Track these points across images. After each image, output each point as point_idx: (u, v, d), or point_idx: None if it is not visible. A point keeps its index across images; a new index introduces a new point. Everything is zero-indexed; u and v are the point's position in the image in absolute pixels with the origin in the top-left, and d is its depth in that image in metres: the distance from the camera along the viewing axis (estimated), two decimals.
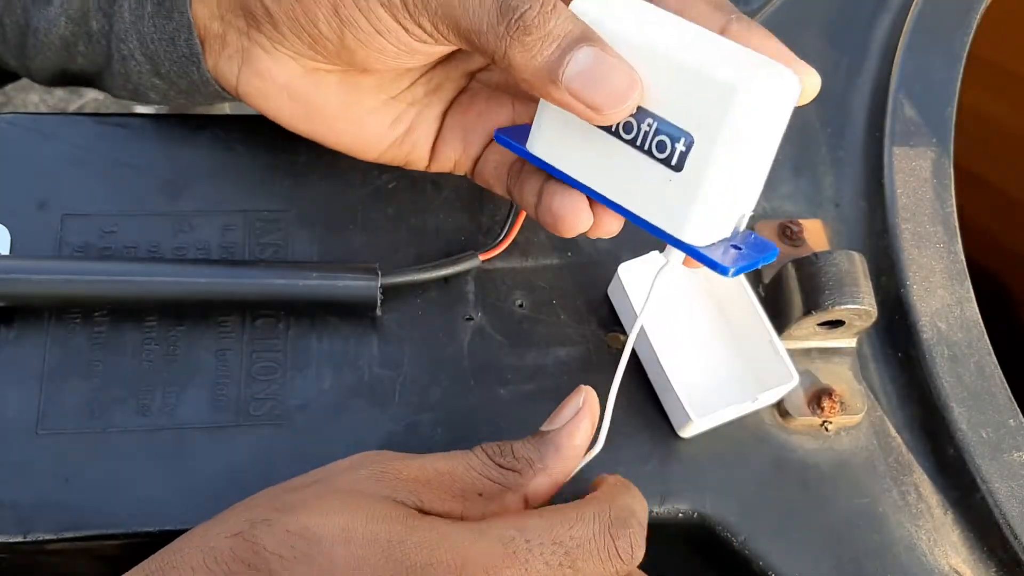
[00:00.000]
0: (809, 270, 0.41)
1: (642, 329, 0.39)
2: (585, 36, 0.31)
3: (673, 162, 0.30)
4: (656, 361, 0.40)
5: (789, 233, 0.45)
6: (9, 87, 1.28)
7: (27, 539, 0.37)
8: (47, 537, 0.37)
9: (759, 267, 0.33)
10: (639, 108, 0.31)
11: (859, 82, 0.50)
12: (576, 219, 0.35)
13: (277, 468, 0.38)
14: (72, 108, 1.28)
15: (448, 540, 0.29)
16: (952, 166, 0.46)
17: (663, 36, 0.31)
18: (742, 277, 0.41)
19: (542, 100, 0.34)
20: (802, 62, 0.32)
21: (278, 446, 0.39)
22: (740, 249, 0.32)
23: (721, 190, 0.31)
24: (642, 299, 0.34)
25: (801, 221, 0.45)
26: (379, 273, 0.40)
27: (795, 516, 0.41)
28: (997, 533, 0.40)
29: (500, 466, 0.33)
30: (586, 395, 0.34)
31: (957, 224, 0.45)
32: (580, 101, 0.31)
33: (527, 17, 0.30)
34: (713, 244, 0.32)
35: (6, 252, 0.41)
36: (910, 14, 0.50)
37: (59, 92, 1.28)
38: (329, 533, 0.29)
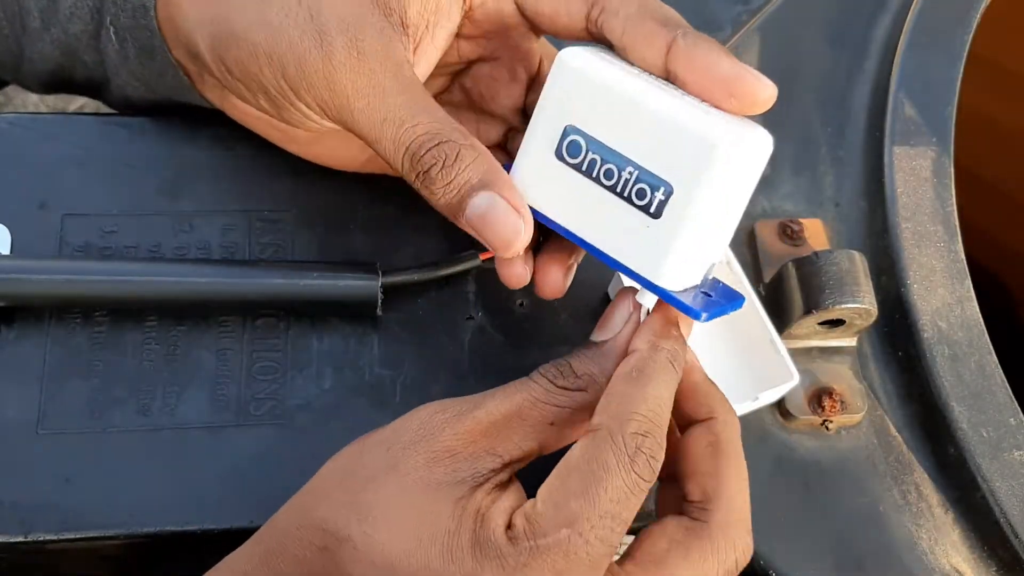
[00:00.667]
0: (809, 269, 0.41)
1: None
2: (483, 183, 0.34)
3: (652, 209, 0.32)
4: None
5: (789, 232, 0.45)
6: (8, 87, 1.28)
7: (28, 539, 0.37)
8: (48, 537, 0.37)
9: (727, 314, 0.34)
10: (620, 155, 0.32)
11: (859, 81, 0.50)
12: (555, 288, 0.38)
13: (278, 468, 0.39)
14: (72, 108, 1.28)
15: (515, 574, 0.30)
16: (952, 165, 0.46)
17: (646, 88, 0.32)
18: (743, 276, 0.41)
19: (523, 142, 0.35)
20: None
21: (279, 446, 0.39)
22: (710, 296, 0.34)
23: (696, 239, 0.32)
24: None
25: (801, 220, 0.45)
26: (380, 273, 0.40)
27: (795, 515, 0.41)
28: (997, 532, 0.40)
29: (564, 389, 0.33)
30: (633, 300, 0.34)
31: (957, 223, 0.45)
32: (479, 238, 0.34)
33: (432, 172, 0.34)
34: (685, 290, 0.33)
35: (7, 252, 0.41)
36: (910, 13, 0.50)
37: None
38: (404, 563, 0.30)
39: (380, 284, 0.40)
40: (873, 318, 0.41)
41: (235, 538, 0.37)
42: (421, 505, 0.31)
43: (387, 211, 0.44)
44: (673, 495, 0.34)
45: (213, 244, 0.43)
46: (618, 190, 0.32)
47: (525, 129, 0.35)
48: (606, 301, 0.43)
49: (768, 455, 0.41)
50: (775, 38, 0.50)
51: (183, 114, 0.44)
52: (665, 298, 0.33)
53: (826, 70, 0.50)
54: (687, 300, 0.32)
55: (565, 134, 0.33)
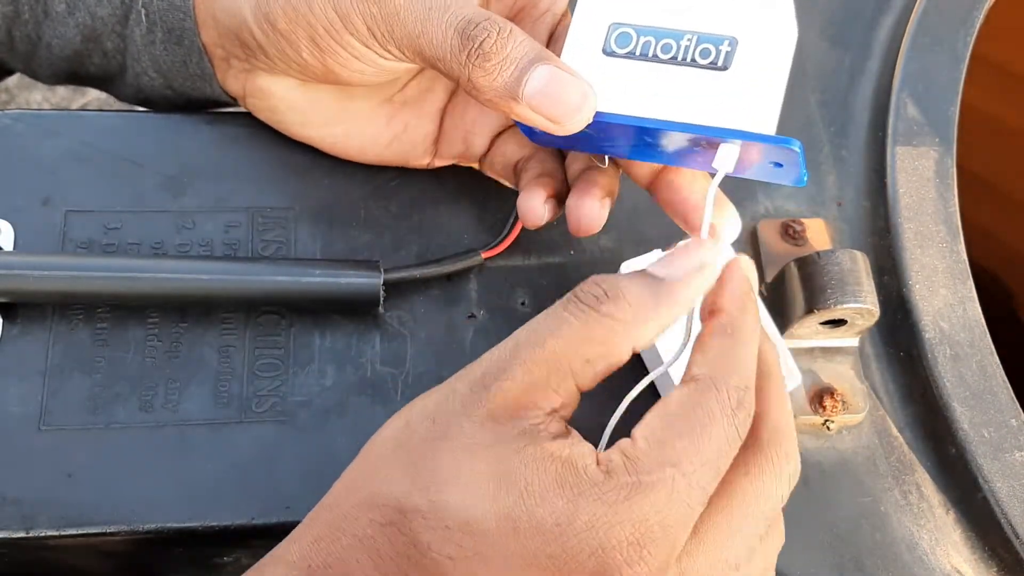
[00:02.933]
0: (811, 269, 0.41)
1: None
2: (540, 56, 0.33)
3: (720, 63, 0.33)
4: (657, 358, 0.40)
5: (792, 232, 0.45)
6: (12, 85, 1.28)
7: (29, 535, 0.37)
8: (49, 533, 0.37)
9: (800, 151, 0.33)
10: (674, 31, 0.33)
11: (862, 81, 0.50)
12: (591, 220, 0.38)
13: (279, 465, 0.39)
14: (76, 105, 1.28)
15: (617, 511, 0.28)
16: (955, 166, 0.46)
17: None
18: (770, 320, 0.40)
19: (565, 49, 0.35)
20: None
21: (280, 443, 0.39)
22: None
23: (767, 77, 0.33)
24: None
25: (804, 220, 0.45)
26: (382, 270, 0.40)
27: (796, 514, 0.41)
28: (999, 533, 0.40)
29: (609, 316, 0.30)
30: (709, 250, 0.32)
31: (959, 223, 0.45)
32: (541, 115, 0.33)
33: (486, 45, 0.33)
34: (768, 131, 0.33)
35: (10, 248, 0.41)
36: (913, 14, 0.50)
37: (62, 90, 1.28)
38: (495, 527, 0.28)
39: (382, 281, 0.40)
40: (875, 318, 0.41)
41: (237, 535, 0.37)
42: (484, 464, 0.29)
43: (389, 208, 0.44)
44: None
45: (216, 241, 0.43)
46: (679, 59, 0.33)
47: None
48: None
49: None
50: None
51: (187, 111, 0.44)
52: (754, 139, 0.32)
53: (829, 70, 0.50)
54: (774, 139, 0.32)
55: (611, 32, 0.34)
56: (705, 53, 0.33)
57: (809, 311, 0.40)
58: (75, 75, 0.46)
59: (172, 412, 0.39)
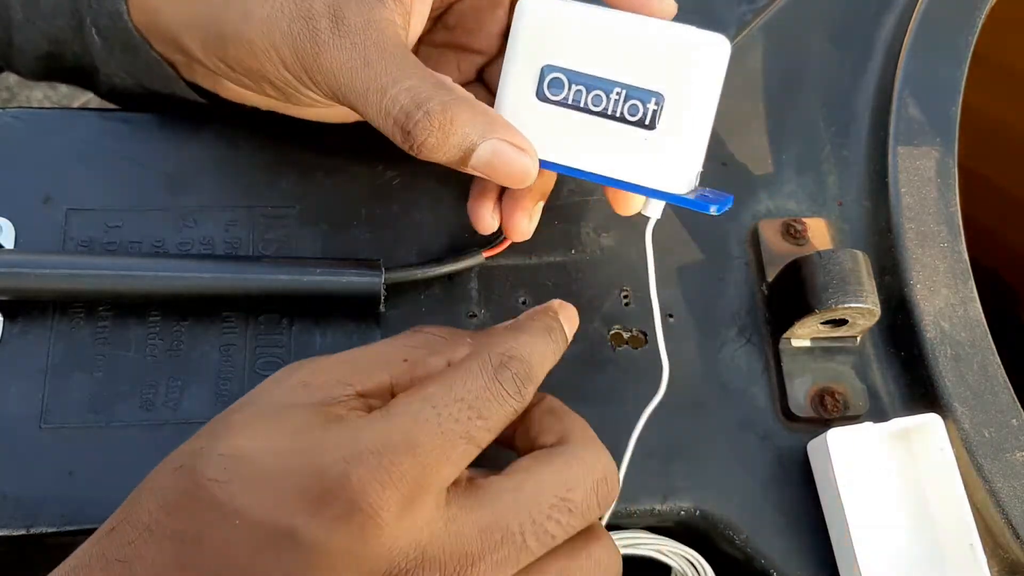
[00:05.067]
0: (812, 268, 0.41)
1: (836, 486, 0.38)
2: (484, 133, 0.34)
3: (647, 121, 0.34)
4: (844, 527, 0.38)
5: (793, 232, 0.45)
6: (13, 83, 1.28)
7: (30, 532, 0.37)
8: (50, 531, 0.37)
9: (728, 208, 0.36)
10: (605, 80, 0.34)
11: (863, 81, 0.50)
12: (521, 233, 0.40)
13: None
14: (77, 103, 1.28)
15: (362, 432, 0.30)
16: (956, 166, 0.46)
17: (610, 13, 0.34)
18: (958, 476, 0.39)
19: (500, 90, 0.35)
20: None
21: None
22: (708, 196, 0.35)
23: (691, 138, 0.34)
24: (846, 469, 0.38)
25: (805, 220, 0.45)
26: (383, 269, 0.40)
27: (797, 514, 0.41)
28: (1000, 532, 0.40)
29: (425, 332, 0.35)
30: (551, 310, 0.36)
31: (961, 223, 0.45)
32: (489, 179, 0.35)
33: (428, 142, 0.34)
34: (687, 193, 0.35)
35: (10, 247, 0.41)
36: (915, 13, 0.50)
37: (63, 88, 1.29)
38: (258, 449, 0.30)
39: (383, 280, 0.40)
40: (876, 318, 0.41)
41: None
42: (273, 415, 0.31)
43: (390, 208, 0.44)
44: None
45: (216, 240, 0.43)
46: (609, 112, 0.34)
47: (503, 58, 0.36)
48: (608, 298, 0.43)
49: (770, 454, 0.41)
50: (779, 37, 0.50)
51: (186, 109, 0.44)
52: (673, 201, 0.34)
53: (830, 69, 0.50)
54: (692, 199, 0.34)
55: (543, 74, 0.34)
56: (633, 110, 0.34)
57: (810, 310, 0.40)
58: (52, 73, 0.46)
59: (173, 411, 0.39)
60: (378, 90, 0.34)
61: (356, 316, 0.42)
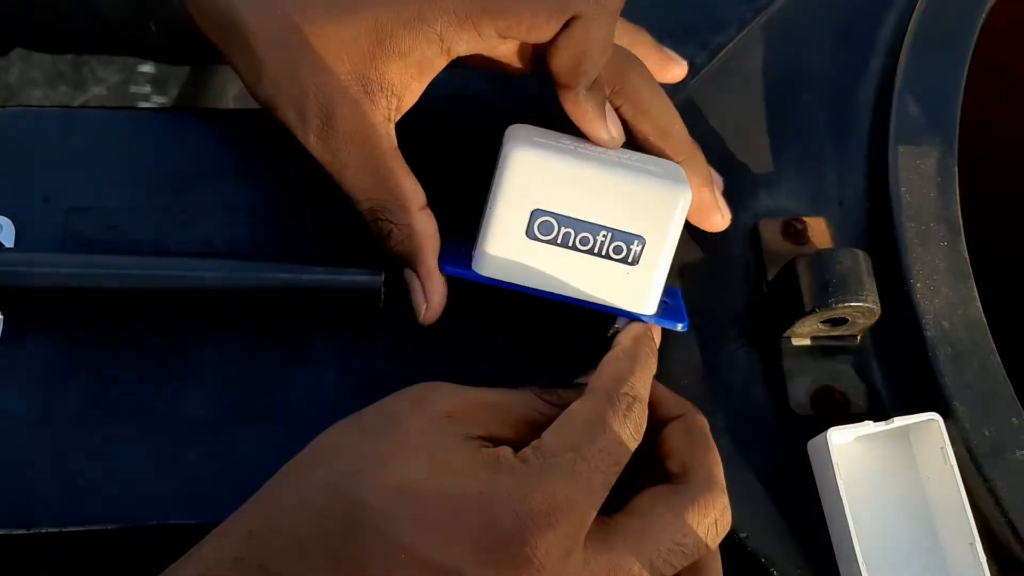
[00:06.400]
0: (813, 268, 0.41)
1: (836, 484, 0.39)
2: (407, 260, 0.40)
3: (630, 259, 0.38)
4: (845, 525, 0.38)
5: (793, 231, 0.45)
6: (13, 82, 1.28)
7: (29, 532, 0.37)
8: (49, 531, 0.37)
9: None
10: (593, 224, 0.38)
11: (864, 80, 0.50)
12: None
13: (279, 464, 0.38)
14: (77, 102, 1.28)
15: (530, 485, 0.32)
16: (956, 165, 0.46)
17: (598, 162, 0.38)
18: (958, 476, 0.40)
19: (486, 226, 0.38)
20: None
21: (280, 442, 0.39)
22: (668, 303, 0.41)
23: (665, 271, 0.39)
24: (846, 467, 0.39)
25: (805, 219, 0.45)
26: (383, 268, 0.40)
27: (797, 514, 0.41)
28: (1000, 532, 0.40)
29: (548, 402, 0.36)
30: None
31: (961, 223, 0.45)
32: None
33: (380, 238, 0.40)
34: (657, 311, 0.40)
35: (11, 245, 0.41)
36: (915, 13, 0.50)
37: (63, 88, 1.29)
38: (423, 483, 0.31)
39: (383, 280, 0.40)
40: (876, 317, 0.41)
41: None
42: (427, 447, 0.33)
43: None
44: (655, 479, 0.36)
45: (217, 239, 0.43)
46: (595, 251, 0.38)
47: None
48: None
49: (770, 453, 0.41)
50: (780, 37, 0.50)
51: (189, 109, 0.44)
52: (651, 322, 0.39)
53: (831, 69, 0.50)
54: (665, 317, 0.40)
55: (534, 217, 0.37)
56: (618, 250, 0.38)
57: (810, 310, 0.40)
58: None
59: (172, 410, 0.39)
60: (351, 193, 0.40)
61: (356, 316, 0.42)
